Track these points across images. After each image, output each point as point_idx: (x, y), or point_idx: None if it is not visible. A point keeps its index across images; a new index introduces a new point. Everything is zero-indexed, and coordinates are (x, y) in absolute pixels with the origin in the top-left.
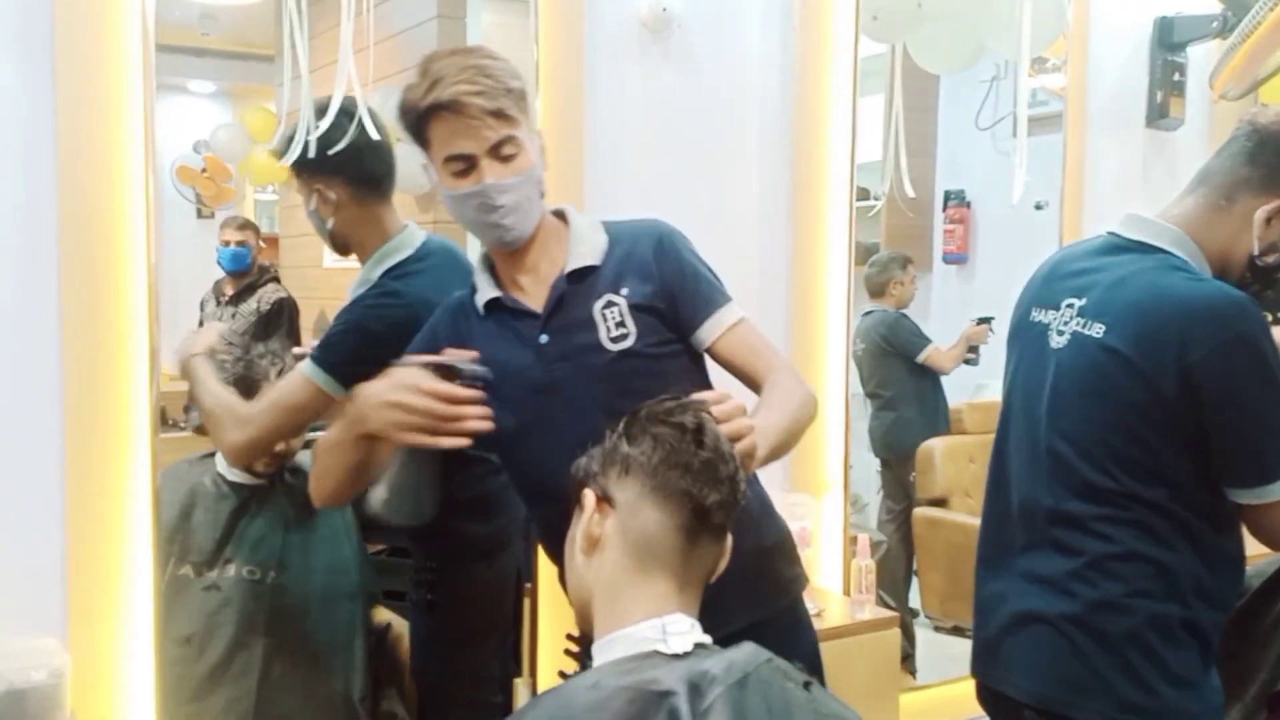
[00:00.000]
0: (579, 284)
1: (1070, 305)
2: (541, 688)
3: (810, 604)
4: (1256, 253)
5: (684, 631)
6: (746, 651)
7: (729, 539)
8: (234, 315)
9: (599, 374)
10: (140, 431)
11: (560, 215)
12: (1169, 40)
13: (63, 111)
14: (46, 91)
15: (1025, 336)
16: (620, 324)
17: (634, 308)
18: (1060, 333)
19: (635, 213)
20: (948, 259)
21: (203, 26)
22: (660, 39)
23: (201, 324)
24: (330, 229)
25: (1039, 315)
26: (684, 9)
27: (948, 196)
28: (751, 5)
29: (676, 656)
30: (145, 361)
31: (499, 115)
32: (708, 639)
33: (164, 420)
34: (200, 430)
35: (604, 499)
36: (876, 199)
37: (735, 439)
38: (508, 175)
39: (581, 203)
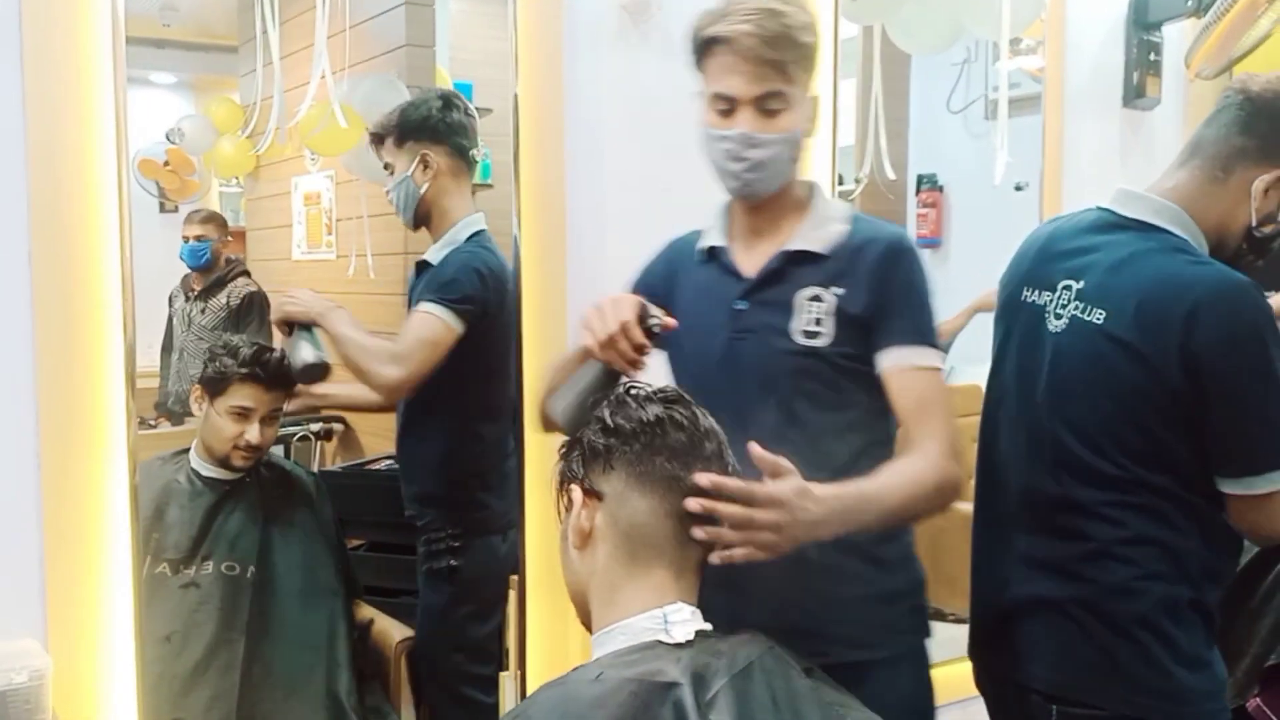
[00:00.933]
0: (795, 266)
1: (1067, 287)
2: (531, 681)
3: None
4: (1254, 224)
5: (685, 620)
6: (748, 639)
7: None
8: (203, 310)
9: (778, 362)
10: (117, 430)
11: (810, 190)
12: (1144, 20)
13: (31, 105)
14: (15, 85)
15: (1017, 316)
16: (818, 321)
17: (840, 311)
18: (1058, 316)
19: (613, 199)
20: (921, 243)
21: (163, 17)
22: (640, 22)
23: (171, 320)
24: (422, 194)
25: (1031, 295)
26: None
27: (920, 180)
28: None
29: (679, 646)
30: (120, 359)
31: (775, 66)
32: (709, 626)
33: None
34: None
35: (591, 493)
36: (858, 181)
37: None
38: (767, 130)
39: (562, 189)
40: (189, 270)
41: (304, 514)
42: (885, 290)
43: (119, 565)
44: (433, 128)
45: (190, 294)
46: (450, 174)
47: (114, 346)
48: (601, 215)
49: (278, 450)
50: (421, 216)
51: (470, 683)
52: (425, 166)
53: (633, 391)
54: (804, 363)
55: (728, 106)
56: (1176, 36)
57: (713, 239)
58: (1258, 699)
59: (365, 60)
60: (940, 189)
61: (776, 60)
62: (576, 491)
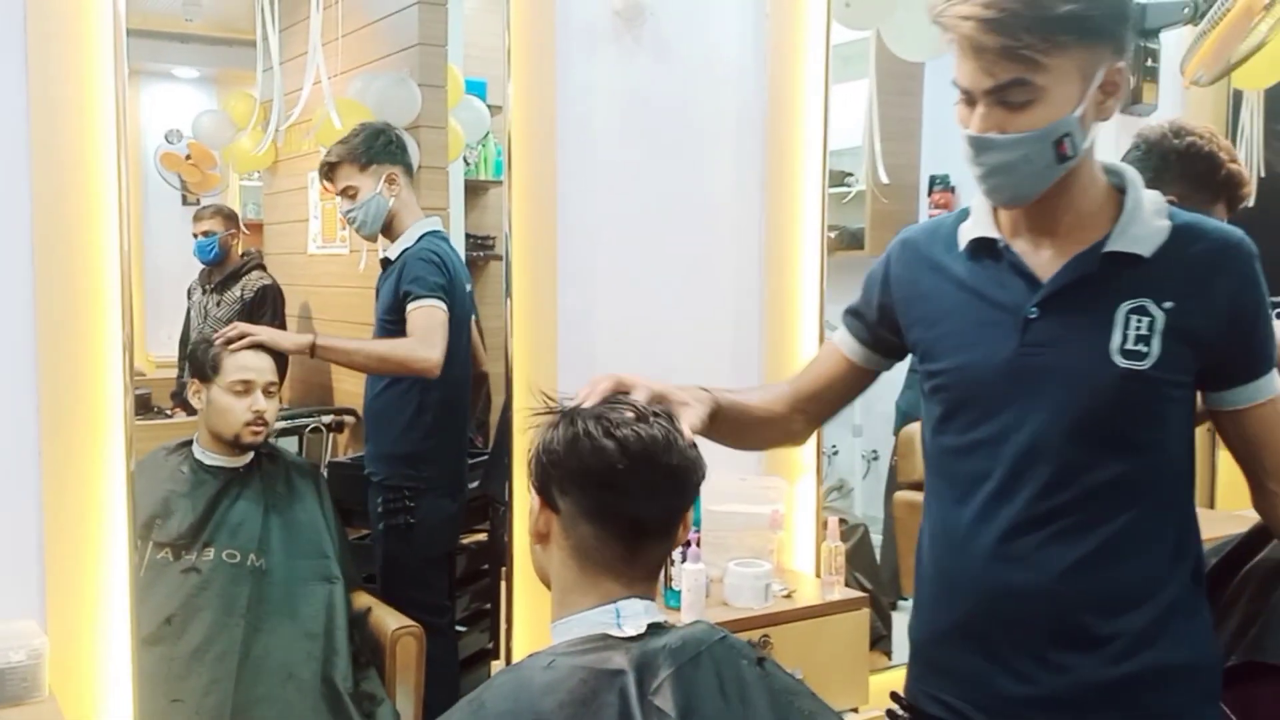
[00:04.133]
0: (1112, 270)
1: None
2: None
3: (781, 585)
4: None
5: (637, 614)
6: (700, 630)
7: (683, 522)
8: (218, 303)
9: (1088, 387)
10: (115, 418)
11: (1115, 175)
12: (1141, 26)
13: (35, 100)
14: (19, 81)
15: None
16: (1143, 339)
17: (1172, 330)
18: None
19: (607, 199)
20: None
21: (186, 12)
22: (633, 27)
23: (189, 312)
24: (390, 208)
25: None
26: None
27: (933, 181)
28: None
29: (630, 639)
30: (119, 348)
31: (1009, 53)
32: (663, 618)
33: (150, 408)
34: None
35: (546, 504)
36: (846, 184)
37: None
38: (1008, 127)
39: (554, 189)
40: (203, 265)
41: (305, 504)
42: (1239, 316)
43: (116, 550)
44: (392, 151)
45: (206, 286)
46: (406, 187)
47: (113, 337)
48: (592, 213)
49: (291, 442)
50: (386, 228)
51: (421, 608)
52: (391, 184)
53: (588, 428)
54: (1123, 390)
55: (966, 99)
56: (1174, 43)
57: (984, 228)
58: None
59: (380, 58)
60: (953, 189)
61: (1009, 46)
62: (535, 498)
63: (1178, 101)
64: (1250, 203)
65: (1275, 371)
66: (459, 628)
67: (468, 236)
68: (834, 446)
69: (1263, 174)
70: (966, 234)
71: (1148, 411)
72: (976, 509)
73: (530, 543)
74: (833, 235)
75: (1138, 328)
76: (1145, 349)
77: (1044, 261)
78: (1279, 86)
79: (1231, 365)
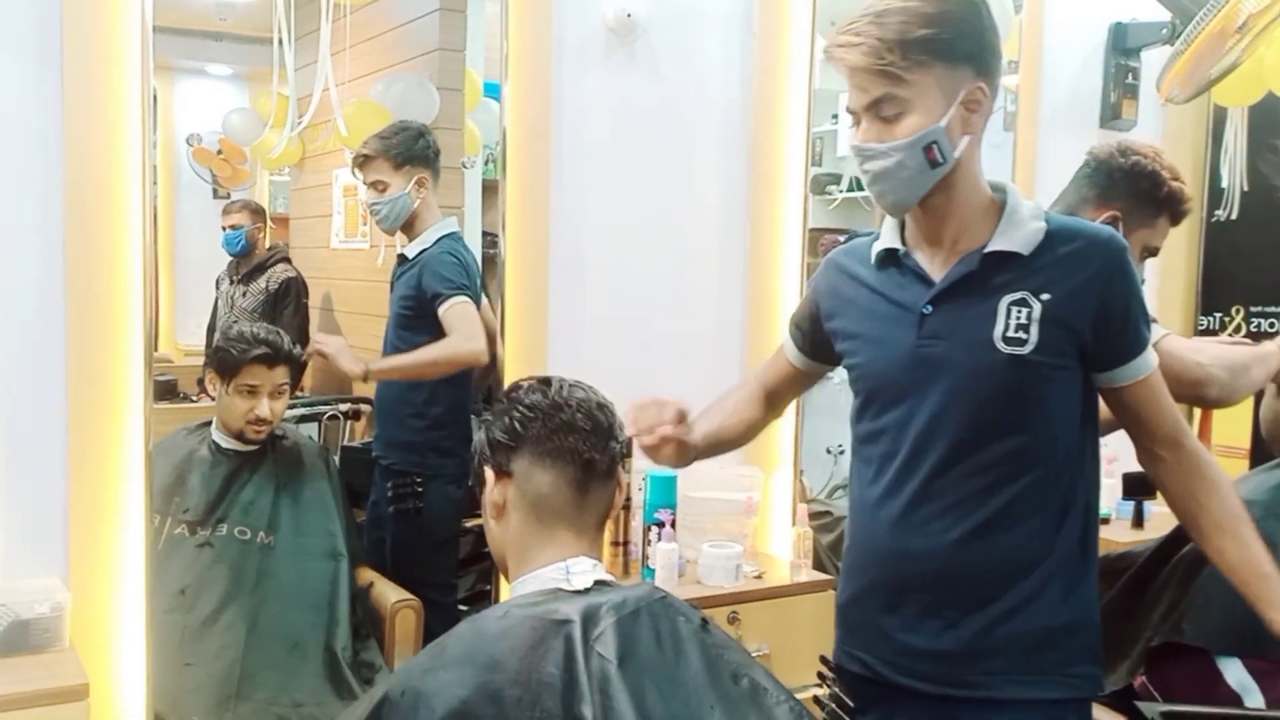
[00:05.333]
0: (994, 269)
1: None
2: None
3: (752, 566)
4: None
5: (585, 571)
6: (643, 590)
7: (620, 479)
8: (244, 294)
9: (978, 371)
10: (136, 398)
11: (999, 190)
12: (1122, 45)
13: (70, 98)
14: (55, 82)
15: None
16: (1023, 327)
17: (1049, 318)
18: None
19: (597, 205)
20: None
21: (220, 12)
22: (625, 43)
23: (216, 302)
24: (414, 208)
25: None
26: (648, 16)
27: None
28: (713, 12)
29: (578, 592)
30: (140, 336)
31: (880, 72)
32: (610, 577)
33: (175, 393)
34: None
35: (501, 473)
36: (828, 194)
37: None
38: (885, 138)
39: (547, 195)
40: (230, 257)
41: (314, 484)
42: (1112, 305)
43: (133, 520)
44: (427, 156)
45: (234, 278)
46: (432, 190)
47: (135, 324)
48: (583, 218)
49: (311, 428)
50: (406, 225)
51: (434, 588)
52: (420, 186)
53: (522, 388)
54: (1008, 372)
55: (855, 120)
56: (1155, 61)
57: (889, 241)
58: (1143, 677)
59: (402, 62)
60: None
61: (875, 64)
62: (489, 472)
63: (1157, 118)
64: (1234, 214)
65: (1150, 350)
66: (461, 606)
67: (483, 234)
68: (840, 446)
69: (1246, 188)
70: (876, 248)
71: (1030, 392)
72: (886, 485)
73: (488, 524)
74: (842, 239)
75: (1018, 317)
76: (1025, 336)
77: (937, 266)
78: (1264, 102)
79: (1111, 347)
